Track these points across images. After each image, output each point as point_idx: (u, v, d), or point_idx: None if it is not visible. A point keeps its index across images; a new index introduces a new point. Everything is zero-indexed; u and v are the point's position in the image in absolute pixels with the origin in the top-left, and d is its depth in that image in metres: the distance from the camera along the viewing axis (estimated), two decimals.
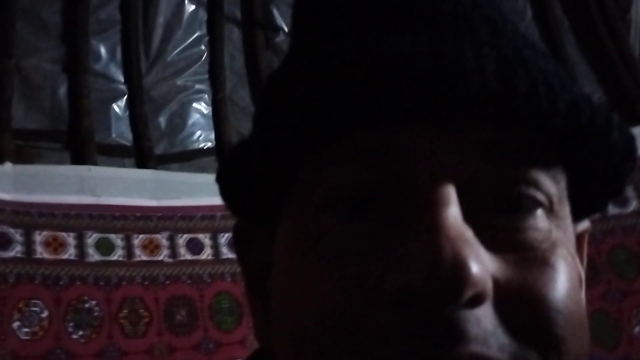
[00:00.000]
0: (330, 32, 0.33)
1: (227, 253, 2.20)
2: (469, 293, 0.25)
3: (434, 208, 0.27)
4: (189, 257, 2.15)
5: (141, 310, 2.00)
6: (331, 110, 0.29)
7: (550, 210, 0.30)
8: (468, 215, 0.28)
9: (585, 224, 0.37)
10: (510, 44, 0.31)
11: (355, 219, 0.29)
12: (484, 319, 0.26)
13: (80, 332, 1.88)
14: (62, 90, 2.32)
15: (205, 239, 2.21)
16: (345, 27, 0.33)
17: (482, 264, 0.26)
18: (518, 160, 0.29)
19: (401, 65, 0.28)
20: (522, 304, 0.27)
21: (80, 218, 2.05)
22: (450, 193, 0.28)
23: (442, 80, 0.28)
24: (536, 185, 0.29)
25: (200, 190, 2.26)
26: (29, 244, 1.92)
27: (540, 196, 0.30)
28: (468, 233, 0.27)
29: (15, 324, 1.79)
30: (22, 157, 2.15)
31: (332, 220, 0.30)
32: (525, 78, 0.29)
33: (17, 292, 1.83)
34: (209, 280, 2.14)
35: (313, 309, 0.29)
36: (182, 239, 2.17)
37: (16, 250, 1.89)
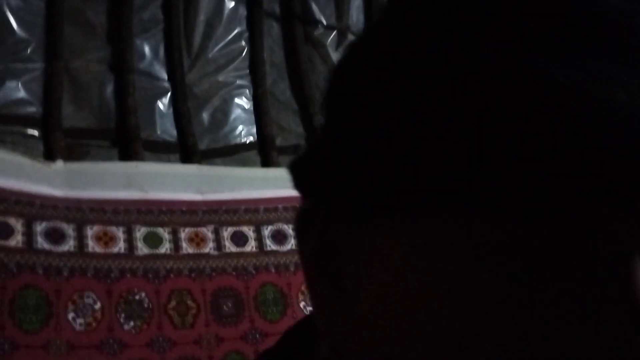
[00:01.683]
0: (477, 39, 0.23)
1: (271, 245, 2.23)
2: None
3: None
4: (233, 249, 2.19)
5: (189, 302, 2.05)
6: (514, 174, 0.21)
7: None
8: None
9: None
10: None
11: None
12: None
13: (132, 323, 1.94)
14: (109, 89, 2.39)
15: (249, 231, 2.24)
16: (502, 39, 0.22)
17: None
18: None
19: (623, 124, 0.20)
20: None
21: (129, 213, 2.11)
22: None
23: None
24: None
25: (244, 184, 2.31)
26: (81, 239, 1.99)
27: None
28: None
29: (70, 315, 1.86)
30: (72, 154, 2.23)
31: None
32: None
33: (71, 285, 1.90)
34: (254, 272, 2.17)
35: None
36: (226, 232, 2.22)
37: (69, 245, 1.96)
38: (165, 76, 2.52)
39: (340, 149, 0.27)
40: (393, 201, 0.25)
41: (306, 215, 0.31)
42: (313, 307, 0.31)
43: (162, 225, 2.13)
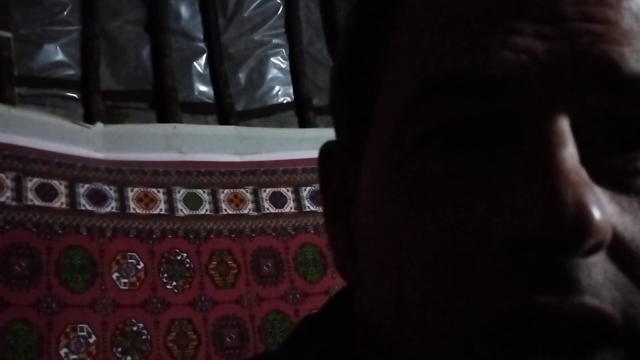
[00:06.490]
0: None
1: (310, 206, 2.23)
2: (591, 242, 0.23)
3: (550, 148, 0.25)
4: (272, 210, 2.19)
5: (229, 262, 2.06)
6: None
7: None
8: (582, 152, 0.25)
9: None
10: None
11: (458, 157, 0.27)
12: (595, 269, 0.24)
13: (174, 283, 1.96)
14: (146, 50, 2.38)
15: (287, 192, 2.24)
16: None
17: (604, 211, 0.24)
18: (638, 94, 0.26)
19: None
20: (633, 254, 0.25)
21: (169, 174, 2.12)
22: (566, 130, 0.25)
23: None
24: None
25: (281, 145, 2.29)
26: (122, 200, 2.01)
27: None
28: (587, 176, 0.25)
29: (115, 275, 1.89)
30: (111, 117, 2.24)
31: (431, 158, 0.27)
32: None
33: (114, 245, 1.93)
34: (293, 233, 2.17)
35: (416, 253, 0.27)
36: (265, 193, 2.22)
37: (111, 206, 1.98)
38: (201, 36, 2.49)
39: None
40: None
41: (329, 158, 0.37)
42: (332, 253, 0.37)
43: (201, 186, 2.14)
